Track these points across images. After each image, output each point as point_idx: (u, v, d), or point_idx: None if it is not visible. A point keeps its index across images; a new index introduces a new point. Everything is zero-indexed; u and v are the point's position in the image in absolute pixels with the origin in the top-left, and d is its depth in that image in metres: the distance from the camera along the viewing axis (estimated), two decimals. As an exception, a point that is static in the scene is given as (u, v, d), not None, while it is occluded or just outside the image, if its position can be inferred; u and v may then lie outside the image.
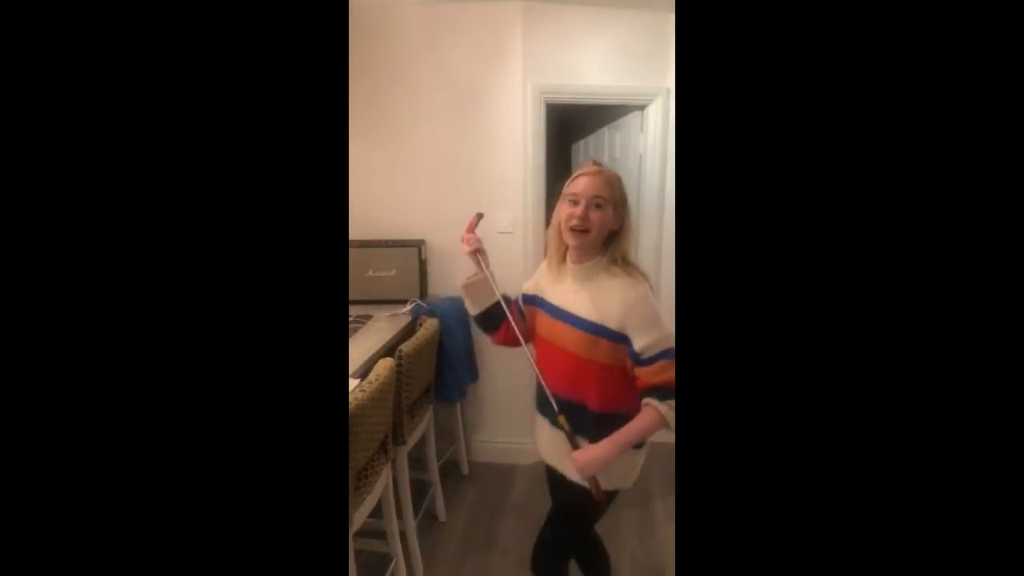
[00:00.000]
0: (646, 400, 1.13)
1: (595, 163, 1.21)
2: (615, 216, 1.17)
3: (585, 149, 2.86)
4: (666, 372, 1.11)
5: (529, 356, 1.30)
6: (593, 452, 1.14)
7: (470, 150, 2.29)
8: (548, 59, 2.20)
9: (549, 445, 1.31)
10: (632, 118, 2.45)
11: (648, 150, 2.40)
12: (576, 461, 1.15)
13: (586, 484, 1.17)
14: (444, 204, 2.33)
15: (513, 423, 2.54)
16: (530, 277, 1.40)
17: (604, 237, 1.18)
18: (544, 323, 1.28)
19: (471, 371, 2.32)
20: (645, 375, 1.13)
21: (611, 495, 1.25)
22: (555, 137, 3.13)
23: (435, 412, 2.14)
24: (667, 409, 1.09)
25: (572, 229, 1.16)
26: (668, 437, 0.97)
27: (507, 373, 2.47)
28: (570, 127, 3.04)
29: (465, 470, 2.49)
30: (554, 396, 1.21)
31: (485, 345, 2.44)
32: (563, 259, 1.24)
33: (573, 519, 1.36)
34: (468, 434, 2.55)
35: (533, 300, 1.33)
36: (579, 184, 1.17)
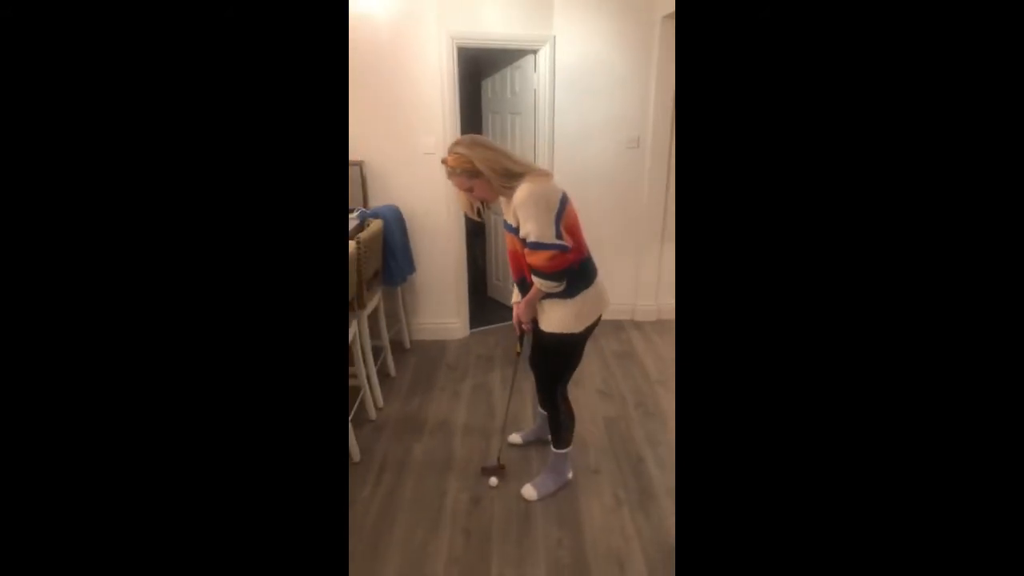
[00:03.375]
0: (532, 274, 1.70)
1: (444, 159, 1.66)
2: (481, 178, 1.62)
3: (492, 85, 3.46)
4: (531, 256, 1.63)
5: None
6: (518, 307, 1.84)
7: (397, 89, 2.85)
8: (458, 10, 2.76)
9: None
10: (527, 60, 3.06)
11: (540, 86, 3.05)
12: (518, 314, 1.86)
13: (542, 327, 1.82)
14: (378, 133, 2.90)
15: (445, 307, 3.27)
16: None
17: (489, 189, 1.65)
18: (506, 235, 1.79)
19: (409, 263, 2.98)
20: (525, 255, 1.66)
21: (566, 336, 1.78)
22: (467, 76, 3.68)
23: (383, 296, 2.80)
24: (537, 280, 1.68)
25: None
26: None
27: (438, 267, 3.16)
28: (480, 67, 3.63)
29: (407, 344, 3.20)
30: (518, 279, 1.83)
31: (420, 242, 3.09)
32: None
33: (554, 350, 1.86)
34: (408, 317, 3.24)
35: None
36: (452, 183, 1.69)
